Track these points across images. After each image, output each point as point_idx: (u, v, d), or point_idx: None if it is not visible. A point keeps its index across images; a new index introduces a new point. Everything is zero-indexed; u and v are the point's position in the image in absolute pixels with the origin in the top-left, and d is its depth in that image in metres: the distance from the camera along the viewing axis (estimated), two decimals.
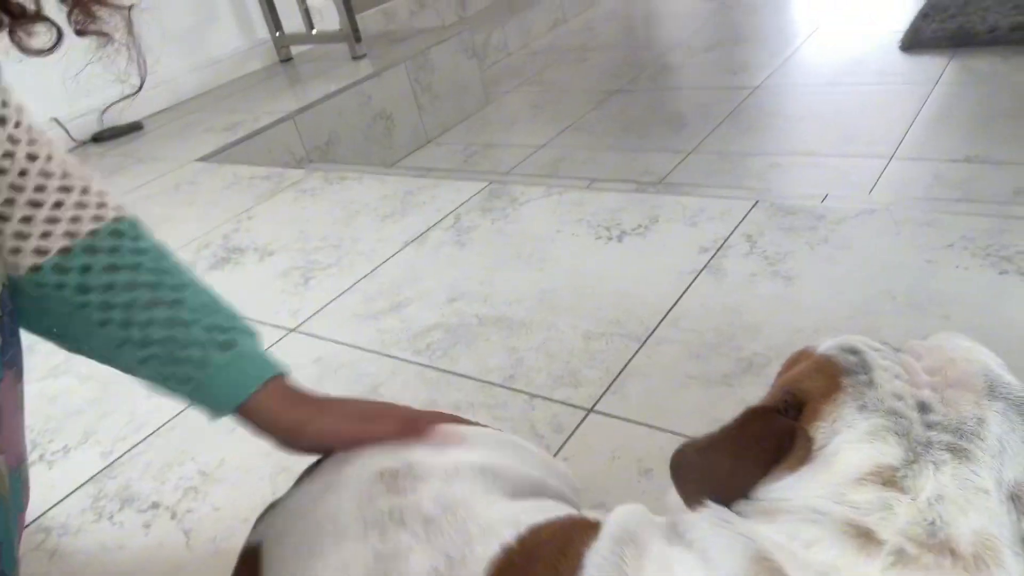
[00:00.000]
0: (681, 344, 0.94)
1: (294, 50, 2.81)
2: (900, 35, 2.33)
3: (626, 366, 0.92)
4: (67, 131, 2.27)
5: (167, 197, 1.79)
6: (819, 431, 0.40)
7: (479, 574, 0.43)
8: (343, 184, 1.66)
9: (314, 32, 2.73)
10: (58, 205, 0.54)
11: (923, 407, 0.39)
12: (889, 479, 0.37)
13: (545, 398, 0.90)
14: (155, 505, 0.87)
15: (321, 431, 0.55)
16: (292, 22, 2.74)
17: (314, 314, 1.19)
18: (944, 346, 0.43)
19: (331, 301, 1.21)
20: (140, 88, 2.06)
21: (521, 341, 1.01)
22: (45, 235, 0.53)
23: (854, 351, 0.42)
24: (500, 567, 0.43)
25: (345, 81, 2.34)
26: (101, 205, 0.57)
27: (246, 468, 0.89)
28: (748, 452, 0.41)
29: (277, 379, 0.57)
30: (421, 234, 1.35)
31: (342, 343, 1.10)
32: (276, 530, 0.52)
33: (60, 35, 0.52)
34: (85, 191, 0.56)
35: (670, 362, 0.91)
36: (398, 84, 2.43)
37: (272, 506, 0.56)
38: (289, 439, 0.56)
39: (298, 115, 2.18)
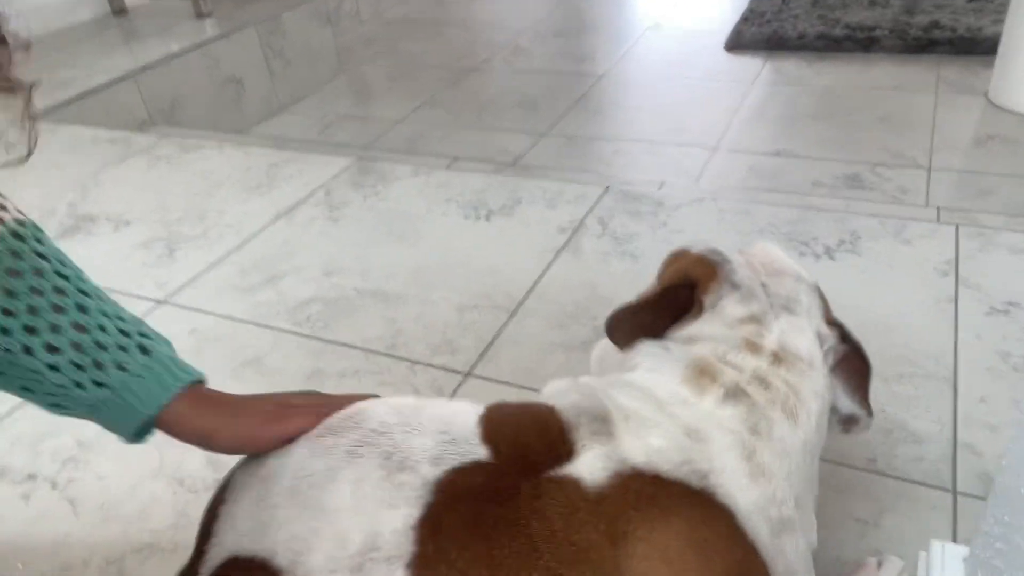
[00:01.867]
0: (545, 315, 1.05)
1: (128, 2, 2.62)
2: (725, 36, 2.59)
3: (497, 335, 1.02)
4: None
5: None
6: (708, 298, 0.64)
7: (471, 426, 0.52)
8: (200, 152, 1.62)
9: None
10: None
11: (764, 285, 0.64)
12: (758, 320, 0.61)
13: (426, 364, 0.98)
14: (31, 477, 0.86)
15: (236, 435, 0.55)
16: None
17: (184, 285, 1.18)
18: (764, 251, 0.69)
19: (202, 273, 1.21)
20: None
21: (399, 313, 1.09)
22: None
23: (717, 253, 0.67)
24: (487, 426, 0.53)
25: (189, 40, 2.24)
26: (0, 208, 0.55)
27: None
28: (664, 310, 0.65)
29: (195, 385, 0.57)
30: (291, 208, 1.37)
31: (218, 315, 1.11)
32: (241, 484, 0.53)
33: None
34: None
35: (536, 331, 1.02)
36: (248, 48, 2.36)
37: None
38: (207, 444, 0.56)
39: (139, 74, 2.06)
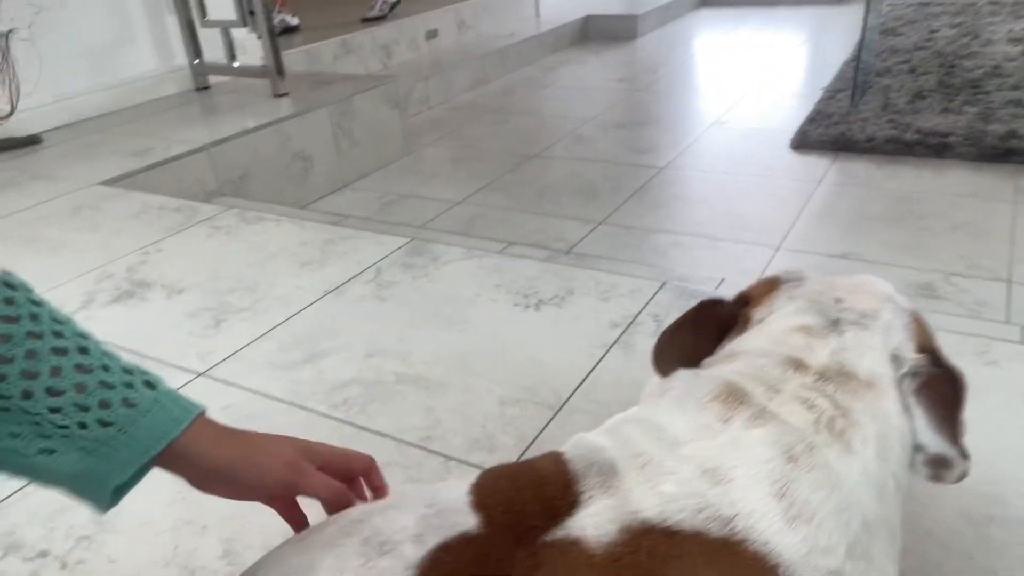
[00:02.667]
0: (592, 415, 0.99)
1: (212, 79, 2.77)
2: (791, 135, 2.56)
3: (540, 434, 0.96)
4: None
5: (65, 220, 1.71)
6: (757, 313, 0.58)
7: (460, 495, 0.47)
8: (260, 225, 1.64)
9: (236, 65, 2.70)
10: None
11: (838, 300, 0.58)
12: (810, 333, 0.55)
13: (460, 461, 0.92)
14: (43, 554, 0.82)
15: (257, 471, 0.55)
16: (212, 52, 2.70)
17: (225, 359, 1.17)
18: (864, 277, 0.63)
19: (244, 346, 1.19)
20: (10, 115, 1.98)
21: (438, 401, 1.04)
22: None
23: (795, 273, 0.62)
24: (478, 492, 0.47)
25: (265, 118, 2.32)
26: None
27: (145, 519, 0.86)
28: (703, 328, 0.60)
29: (203, 417, 0.55)
30: (341, 285, 1.36)
31: (254, 391, 1.08)
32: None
33: None
34: None
35: (581, 432, 0.96)
36: (319, 126, 2.44)
37: None
38: (224, 477, 0.54)
39: (213, 147, 2.14)
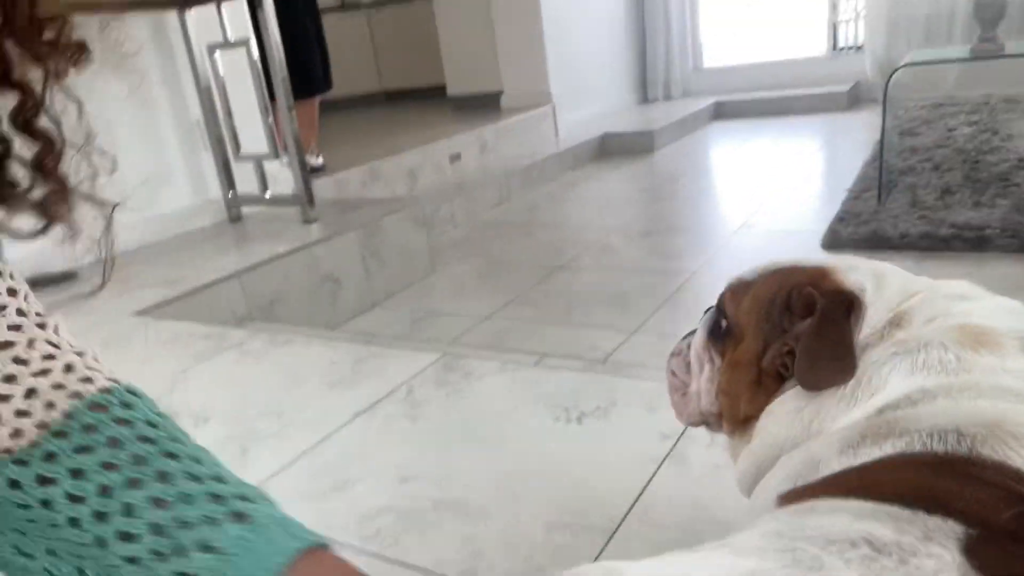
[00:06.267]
0: (648, 541, 0.90)
1: (245, 210, 2.84)
2: (820, 235, 2.53)
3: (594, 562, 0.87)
4: None
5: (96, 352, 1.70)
6: (855, 290, 0.55)
7: None
8: (288, 347, 1.61)
9: (268, 195, 2.78)
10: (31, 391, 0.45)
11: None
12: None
13: None
14: None
15: None
16: (244, 184, 2.79)
17: None
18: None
19: (271, 476, 1.13)
20: (102, 288, 2.04)
21: (478, 529, 0.96)
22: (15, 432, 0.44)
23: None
24: None
25: (295, 243, 2.35)
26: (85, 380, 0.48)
27: None
28: (845, 322, 0.52)
29: (317, 550, 0.44)
30: (371, 405, 1.30)
31: None
32: None
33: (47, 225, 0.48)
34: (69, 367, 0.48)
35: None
36: (347, 249, 2.46)
37: None
38: None
39: (244, 274, 2.15)
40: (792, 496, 0.42)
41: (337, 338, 1.67)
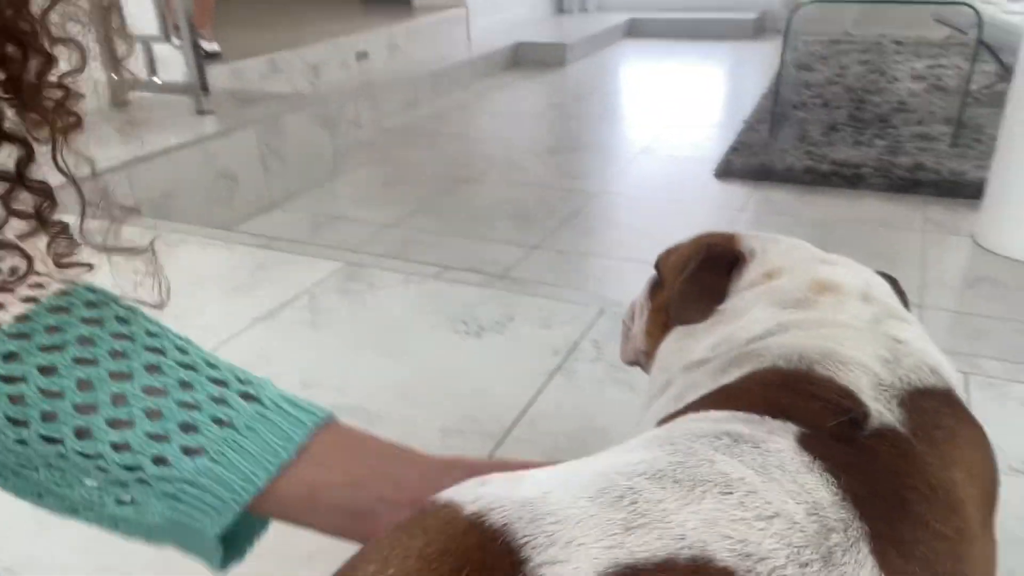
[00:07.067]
0: (535, 445, 0.98)
1: (131, 95, 2.65)
2: (715, 164, 2.65)
3: None
4: None
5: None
6: (746, 250, 0.62)
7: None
8: (185, 248, 1.57)
9: (158, 81, 2.60)
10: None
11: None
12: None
13: None
14: None
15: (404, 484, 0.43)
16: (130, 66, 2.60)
17: None
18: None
19: None
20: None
21: (377, 433, 1.01)
22: None
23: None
24: None
25: (188, 136, 2.24)
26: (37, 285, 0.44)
27: (60, 566, 0.80)
28: (721, 267, 0.61)
29: (331, 423, 0.44)
30: (272, 312, 1.31)
31: None
32: None
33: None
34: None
35: None
36: (246, 146, 2.37)
37: None
38: (352, 498, 0.43)
39: (132, 165, 2.04)
40: (672, 416, 0.49)
41: (236, 241, 1.64)
